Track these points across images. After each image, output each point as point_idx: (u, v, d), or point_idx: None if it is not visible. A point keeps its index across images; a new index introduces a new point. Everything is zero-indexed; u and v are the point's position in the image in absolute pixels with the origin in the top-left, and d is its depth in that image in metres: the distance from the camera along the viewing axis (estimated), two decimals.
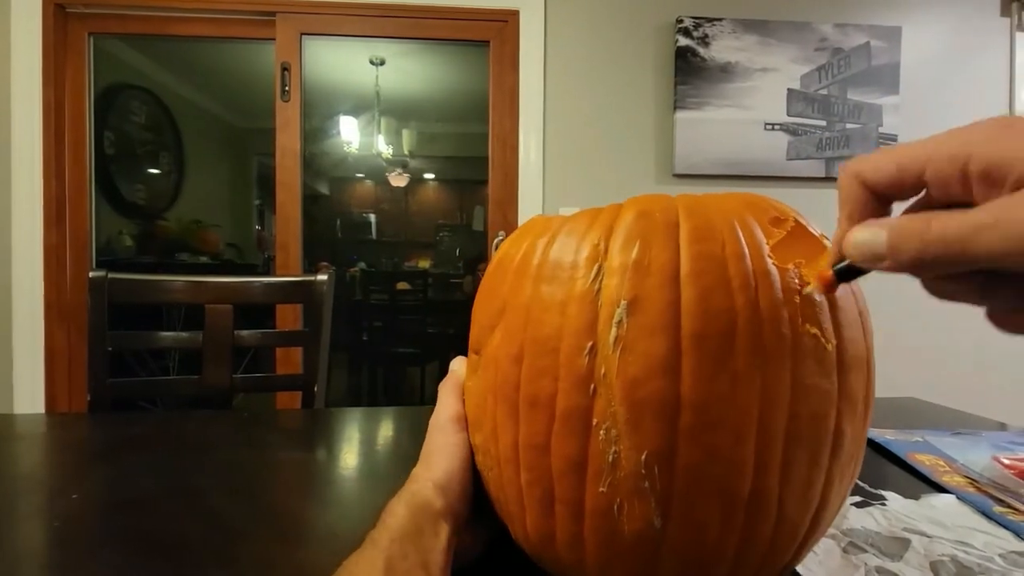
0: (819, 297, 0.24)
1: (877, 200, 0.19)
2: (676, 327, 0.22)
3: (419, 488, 0.28)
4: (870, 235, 0.18)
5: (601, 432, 0.22)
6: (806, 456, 0.23)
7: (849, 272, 0.20)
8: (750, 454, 0.22)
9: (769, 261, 0.24)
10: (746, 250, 0.24)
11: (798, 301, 0.23)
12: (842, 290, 0.25)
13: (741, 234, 0.24)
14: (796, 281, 0.24)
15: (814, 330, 0.23)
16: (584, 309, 0.23)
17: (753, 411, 0.22)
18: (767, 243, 0.25)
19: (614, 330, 0.22)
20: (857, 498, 0.41)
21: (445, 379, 0.35)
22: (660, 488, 0.22)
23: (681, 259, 0.23)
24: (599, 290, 0.24)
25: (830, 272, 0.20)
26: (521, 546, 0.28)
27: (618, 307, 0.23)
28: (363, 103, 3.59)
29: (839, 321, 0.24)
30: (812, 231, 0.26)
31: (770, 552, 0.24)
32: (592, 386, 0.23)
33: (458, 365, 0.35)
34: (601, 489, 0.23)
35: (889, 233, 0.17)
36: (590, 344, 0.23)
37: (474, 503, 0.30)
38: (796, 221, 0.26)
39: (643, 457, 0.22)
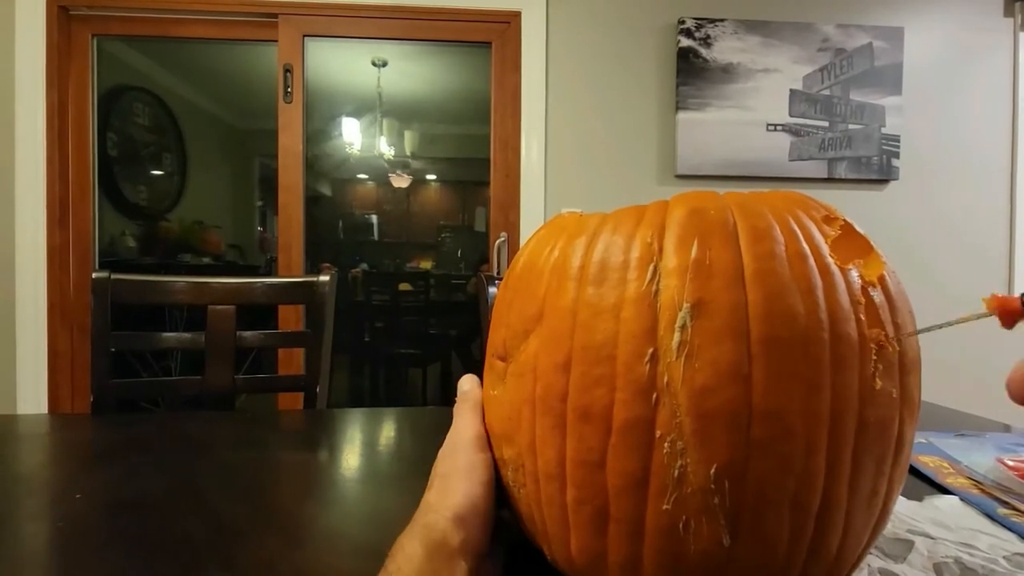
0: (878, 297, 0.23)
1: None
2: (745, 332, 0.21)
3: (434, 521, 0.25)
4: None
5: (665, 445, 0.21)
6: (873, 464, 0.22)
7: None
8: (822, 464, 0.21)
9: (831, 261, 0.23)
10: (807, 249, 0.23)
11: (863, 302, 0.22)
12: (897, 289, 0.24)
13: (800, 233, 0.23)
14: (859, 282, 0.23)
15: (880, 332, 0.22)
16: (642, 313, 0.22)
17: (825, 419, 0.21)
18: (825, 242, 0.23)
19: (678, 335, 0.21)
20: None
21: (460, 400, 0.32)
22: (730, 504, 0.20)
23: (744, 259, 0.22)
24: (657, 292, 0.22)
25: (1018, 301, 0.18)
26: (558, 567, 0.26)
27: (680, 310, 0.21)
28: (365, 105, 3.59)
29: (898, 323, 0.23)
30: (858, 230, 0.25)
31: (835, 564, 0.23)
32: (655, 395, 0.21)
33: (469, 385, 0.32)
34: (665, 506, 0.21)
35: None
36: (651, 350, 0.21)
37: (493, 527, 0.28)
38: (845, 220, 0.25)
39: (712, 471, 0.20)
